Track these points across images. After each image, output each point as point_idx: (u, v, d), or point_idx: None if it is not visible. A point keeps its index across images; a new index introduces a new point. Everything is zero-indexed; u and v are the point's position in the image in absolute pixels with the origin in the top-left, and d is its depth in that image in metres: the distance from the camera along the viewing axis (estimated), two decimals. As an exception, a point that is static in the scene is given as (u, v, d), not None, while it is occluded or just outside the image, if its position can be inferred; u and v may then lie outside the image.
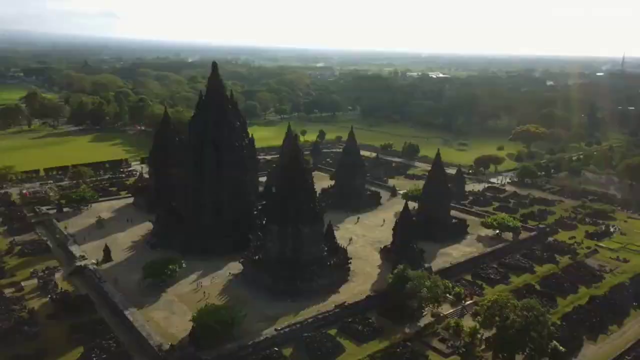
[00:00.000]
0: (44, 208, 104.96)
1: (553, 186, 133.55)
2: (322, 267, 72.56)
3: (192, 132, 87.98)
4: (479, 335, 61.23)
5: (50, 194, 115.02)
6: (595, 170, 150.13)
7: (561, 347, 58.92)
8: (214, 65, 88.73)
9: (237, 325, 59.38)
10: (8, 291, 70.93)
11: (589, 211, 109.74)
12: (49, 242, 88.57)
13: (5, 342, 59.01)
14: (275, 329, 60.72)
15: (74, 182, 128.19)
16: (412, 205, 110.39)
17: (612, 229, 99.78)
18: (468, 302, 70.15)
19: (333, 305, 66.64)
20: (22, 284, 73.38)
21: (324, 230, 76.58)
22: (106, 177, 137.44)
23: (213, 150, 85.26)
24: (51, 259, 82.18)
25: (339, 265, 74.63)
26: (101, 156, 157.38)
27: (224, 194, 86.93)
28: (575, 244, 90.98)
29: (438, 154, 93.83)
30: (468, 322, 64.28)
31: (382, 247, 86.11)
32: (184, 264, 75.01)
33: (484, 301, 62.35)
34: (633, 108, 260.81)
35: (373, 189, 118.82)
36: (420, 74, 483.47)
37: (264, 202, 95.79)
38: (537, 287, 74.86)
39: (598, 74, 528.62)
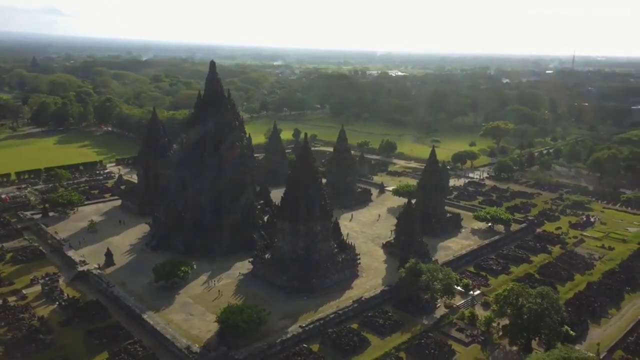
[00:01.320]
0: (27, 213, 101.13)
1: (528, 180, 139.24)
2: (334, 264, 73.54)
3: (191, 132, 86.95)
4: (494, 324, 63.74)
5: (31, 198, 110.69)
6: (563, 163, 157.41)
7: (572, 332, 62.24)
8: (212, 64, 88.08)
9: (263, 324, 59.60)
10: (11, 300, 68.45)
11: (567, 203, 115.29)
12: (41, 248, 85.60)
13: (21, 351, 57.12)
14: (300, 326, 61.25)
15: (50, 185, 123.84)
16: (403, 200, 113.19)
17: (592, 219, 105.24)
18: (476, 293, 72.74)
19: (351, 301, 67.69)
20: (24, 291, 70.99)
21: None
22: (83, 179, 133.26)
23: (213, 150, 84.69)
24: (48, 265, 79.61)
25: (349, 261, 75.75)
26: (71, 158, 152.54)
27: (225, 194, 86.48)
28: (563, 234, 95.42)
29: (433, 151, 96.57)
30: (479, 312, 66.91)
31: (383, 242, 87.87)
32: (194, 266, 74.26)
33: (499, 290, 64.95)
34: (587, 104, 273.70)
35: (362, 186, 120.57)
36: (379, 72, 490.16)
37: (262, 201, 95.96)
38: (537, 276, 78.36)
39: (547, 71, 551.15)
